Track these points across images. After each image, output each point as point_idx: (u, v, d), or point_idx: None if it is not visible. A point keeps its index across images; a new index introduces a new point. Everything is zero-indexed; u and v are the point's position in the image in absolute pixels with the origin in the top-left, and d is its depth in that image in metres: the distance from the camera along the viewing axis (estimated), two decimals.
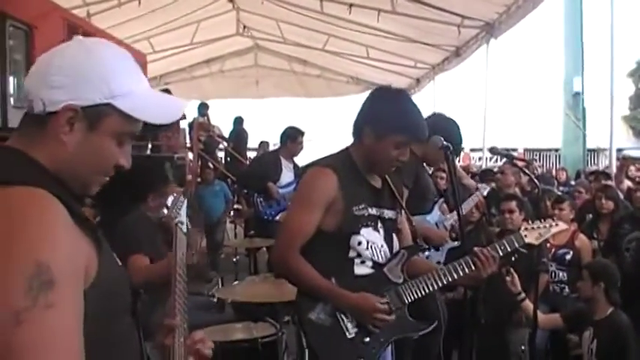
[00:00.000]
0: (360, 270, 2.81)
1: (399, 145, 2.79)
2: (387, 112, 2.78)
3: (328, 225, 2.76)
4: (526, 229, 3.12)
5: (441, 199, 4.80)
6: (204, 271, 6.48)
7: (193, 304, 4.54)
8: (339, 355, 2.71)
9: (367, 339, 2.74)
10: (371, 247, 2.83)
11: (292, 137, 7.34)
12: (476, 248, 2.93)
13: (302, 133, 7.42)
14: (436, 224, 4.38)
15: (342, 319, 2.72)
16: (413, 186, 4.10)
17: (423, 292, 2.82)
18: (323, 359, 2.69)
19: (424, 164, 4.34)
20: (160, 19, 12.88)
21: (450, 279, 2.85)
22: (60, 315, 1.18)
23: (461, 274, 2.86)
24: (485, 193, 5.55)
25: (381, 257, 2.85)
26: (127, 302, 1.51)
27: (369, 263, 2.82)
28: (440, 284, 2.85)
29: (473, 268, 2.86)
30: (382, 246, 2.88)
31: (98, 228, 1.41)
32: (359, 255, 2.80)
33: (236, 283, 5.02)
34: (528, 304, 4.22)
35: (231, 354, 3.60)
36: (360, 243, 2.80)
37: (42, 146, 1.38)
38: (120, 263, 1.54)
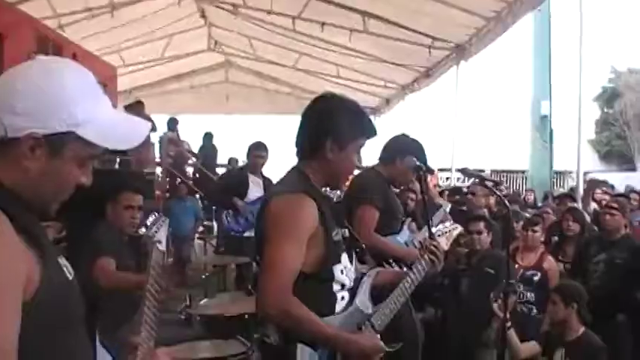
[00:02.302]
0: (339, 305, 2.59)
1: (359, 150, 2.71)
2: (343, 121, 2.61)
3: (309, 260, 2.47)
4: (438, 235, 3.12)
5: (409, 219, 4.83)
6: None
7: (161, 320, 4.51)
8: None
9: None
10: (346, 272, 2.63)
11: (254, 151, 7.37)
12: (425, 242, 2.95)
13: (264, 147, 7.43)
14: (406, 243, 4.37)
15: None
16: (383, 206, 4.12)
17: (392, 315, 2.74)
18: None
19: (390, 185, 4.37)
20: (131, 33, 12.78)
21: (413, 287, 2.82)
22: None
23: (421, 276, 2.85)
24: (447, 209, 5.60)
25: (350, 280, 2.67)
26: (77, 315, 1.48)
27: (345, 293, 2.62)
28: (405, 298, 2.79)
29: (430, 264, 2.89)
30: (350, 268, 2.69)
31: (47, 243, 1.41)
32: (342, 286, 2.60)
33: (205, 300, 4.97)
34: (513, 335, 4.25)
35: None
36: (342, 271, 2.59)
37: (2, 167, 1.37)
38: (70, 277, 1.48)
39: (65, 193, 1.47)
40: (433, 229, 3.12)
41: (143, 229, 2.02)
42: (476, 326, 4.97)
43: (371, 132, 2.71)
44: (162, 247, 2.07)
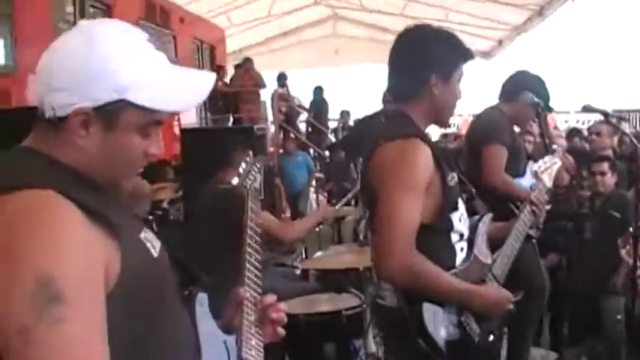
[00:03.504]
0: (459, 258, 2.38)
1: (460, 78, 2.44)
2: (442, 49, 2.37)
3: (426, 210, 2.25)
4: (542, 172, 2.88)
5: (531, 162, 4.60)
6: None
7: (277, 274, 4.59)
8: None
9: (491, 337, 2.39)
10: (463, 220, 2.41)
11: (388, 96, 7.22)
12: (532, 196, 2.73)
13: None
14: (531, 188, 4.18)
15: (468, 324, 2.30)
16: (510, 145, 3.93)
17: (510, 263, 2.54)
18: None
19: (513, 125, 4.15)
20: None
21: (525, 231, 2.64)
22: (72, 329, 1.09)
23: (527, 227, 2.66)
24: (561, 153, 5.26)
25: (467, 228, 2.45)
26: (168, 291, 1.38)
27: (464, 244, 2.42)
28: (520, 243, 2.60)
29: (533, 217, 2.69)
30: (465, 215, 2.47)
31: (123, 222, 1.27)
32: (461, 236, 2.39)
33: (319, 253, 4.99)
34: None
35: (315, 326, 3.55)
36: (460, 219, 2.37)
37: (60, 148, 1.26)
38: (155, 253, 1.34)
39: (134, 167, 1.35)
40: (534, 167, 2.91)
41: (236, 179, 1.95)
42: (602, 273, 4.74)
43: (469, 55, 2.46)
44: (259, 194, 2.00)
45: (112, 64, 1.22)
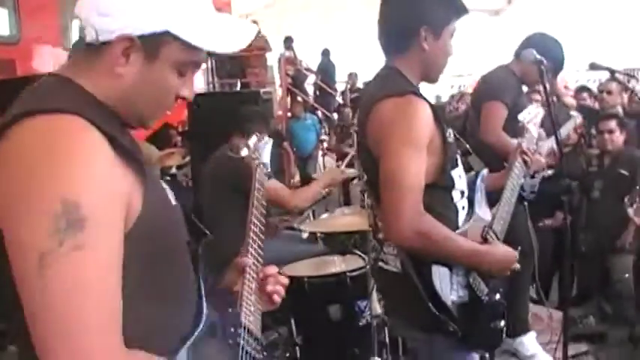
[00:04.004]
0: (461, 217, 2.33)
1: (452, 34, 2.34)
2: (434, 2, 2.29)
3: (428, 170, 2.19)
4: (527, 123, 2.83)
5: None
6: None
7: (284, 239, 4.62)
8: (482, 328, 2.32)
9: (497, 296, 2.36)
10: (463, 177, 2.36)
11: None
12: (521, 146, 2.65)
13: None
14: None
15: (476, 285, 2.27)
16: (512, 106, 3.88)
17: (509, 218, 2.47)
18: (471, 338, 2.26)
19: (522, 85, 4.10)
20: None
21: (519, 186, 2.60)
22: (90, 257, 1.07)
23: (521, 178, 2.63)
24: (578, 121, 5.17)
25: (466, 185, 2.39)
26: (181, 243, 1.38)
27: (465, 202, 2.36)
28: (515, 197, 2.54)
29: (524, 167, 2.64)
30: (463, 172, 2.42)
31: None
32: (462, 194, 2.33)
33: (325, 215, 5.01)
34: None
35: (319, 288, 3.58)
36: (460, 176, 2.32)
37: (95, 77, 1.24)
38: (174, 202, 1.39)
39: (164, 105, 1.34)
40: (520, 117, 2.85)
41: (245, 151, 1.97)
42: (610, 231, 4.74)
43: (463, 10, 2.35)
44: (267, 168, 2.04)
45: None
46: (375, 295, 3.50)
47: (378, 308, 3.54)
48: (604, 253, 4.84)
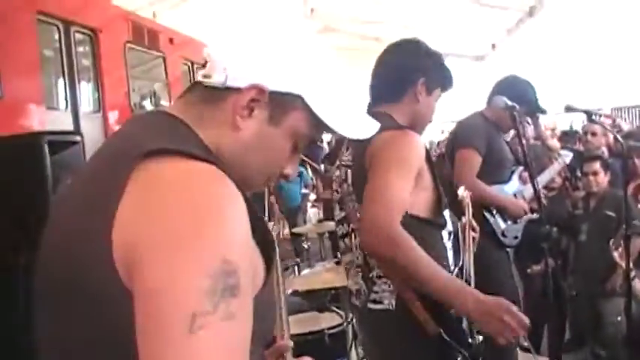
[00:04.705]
0: (450, 256, 2.35)
1: (437, 98, 2.54)
2: (435, 64, 2.50)
3: (422, 204, 2.29)
4: None
5: (520, 168, 4.51)
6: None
7: None
8: None
9: (481, 337, 2.26)
10: (450, 220, 2.42)
11: None
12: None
13: None
14: (514, 195, 4.10)
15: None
16: (486, 152, 3.86)
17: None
18: None
19: (499, 131, 4.07)
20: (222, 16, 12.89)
21: None
22: (237, 329, 0.93)
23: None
24: (567, 161, 5.13)
25: (452, 226, 2.43)
26: (269, 331, 1.26)
27: (450, 244, 2.38)
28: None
29: None
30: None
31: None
32: (450, 234, 2.37)
33: (306, 271, 4.92)
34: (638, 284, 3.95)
35: (297, 346, 3.49)
36: (449, 217, 2.40)
37: (208, 124, 1.14)
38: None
39: (266, 176, 1.23)
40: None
41: None
42: (599, 274, 4.66)
43: (450, 84, 2.57)
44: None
45: (305, 63, 1.18)
46: (353, 353, 3.42)
47: None
48: (594, 296, 4.75)
